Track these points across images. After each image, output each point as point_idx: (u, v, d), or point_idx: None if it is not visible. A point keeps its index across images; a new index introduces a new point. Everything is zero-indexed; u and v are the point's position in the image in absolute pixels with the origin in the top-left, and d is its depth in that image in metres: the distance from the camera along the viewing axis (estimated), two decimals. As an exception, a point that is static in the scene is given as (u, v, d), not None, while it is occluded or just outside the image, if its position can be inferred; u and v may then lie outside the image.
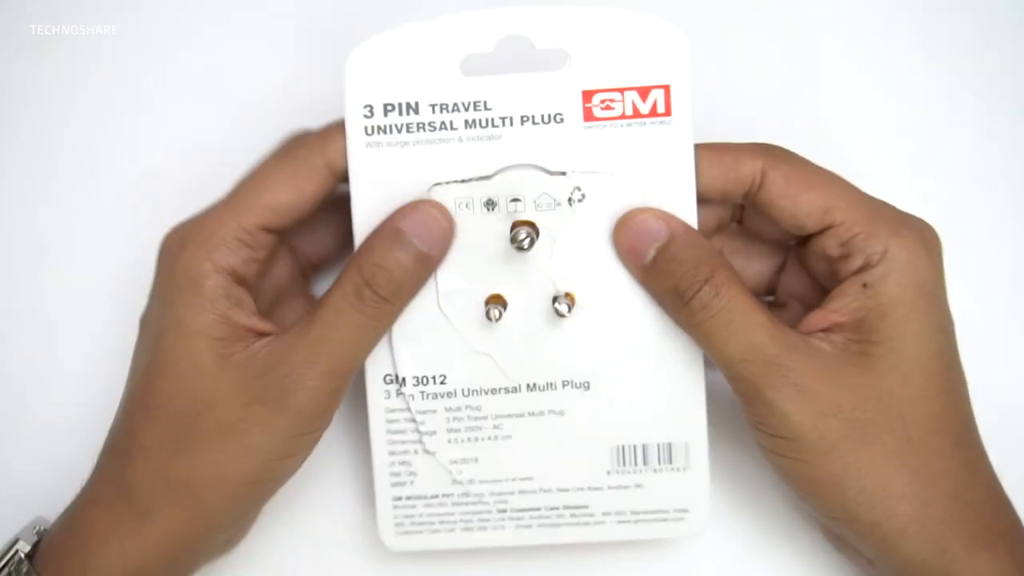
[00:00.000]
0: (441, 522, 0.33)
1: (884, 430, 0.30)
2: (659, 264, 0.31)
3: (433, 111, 0.31)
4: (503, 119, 0.31)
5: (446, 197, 0.31)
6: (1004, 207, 0.40)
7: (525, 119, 0.31)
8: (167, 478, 0.30)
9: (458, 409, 0.33)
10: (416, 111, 0.31)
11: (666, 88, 0.31)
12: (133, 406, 0.31)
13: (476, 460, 0.33)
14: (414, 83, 0.31)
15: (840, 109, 0.40)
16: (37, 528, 0.32)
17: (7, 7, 0.41)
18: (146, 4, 0.41)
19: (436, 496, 0.33)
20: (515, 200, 0.31)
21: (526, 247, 0.31)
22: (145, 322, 0.32)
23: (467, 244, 0.32)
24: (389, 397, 0.33)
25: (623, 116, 0.31)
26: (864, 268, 0.30)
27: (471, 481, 0.33)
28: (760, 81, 0.40)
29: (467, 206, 0.31)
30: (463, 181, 0.31)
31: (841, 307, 0.31)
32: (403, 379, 0.32)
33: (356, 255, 0.30)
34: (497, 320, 0.31)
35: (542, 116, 0.31)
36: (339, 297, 0.30)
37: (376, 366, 0.32)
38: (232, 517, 0.31)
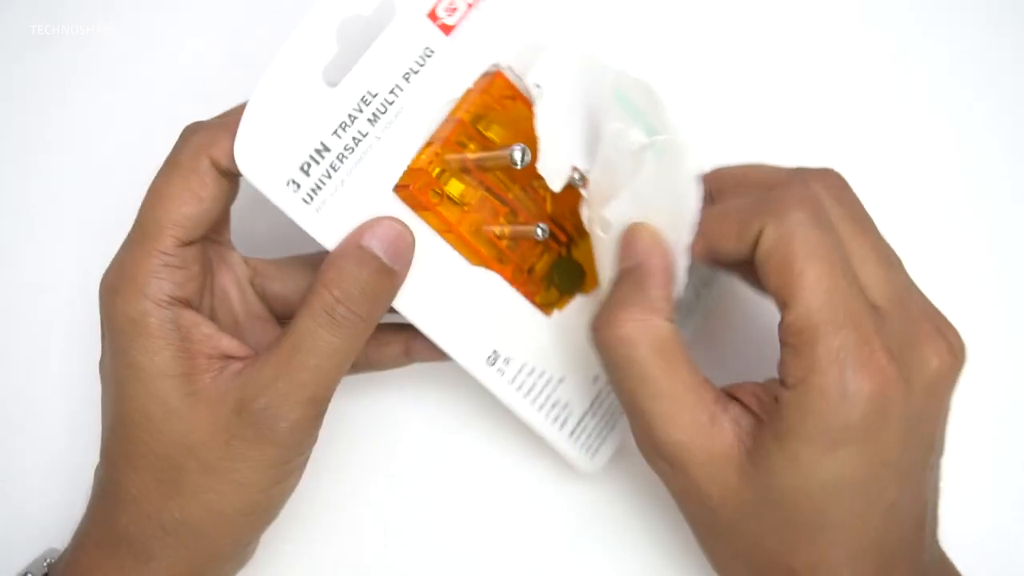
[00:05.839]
0: (606, 421, 0.35)
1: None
2: (622, 276, 0.30)
3: (339, 136, 0.30)
4: (391, 92, 0.30)
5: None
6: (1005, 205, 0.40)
7: (407, 76, 0.30)
8: (162, 522, 0.29)
9: None
10: (327, 148, 0.30)
11: None
12: (114, 455, 0.30)
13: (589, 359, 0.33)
14: (303, 129, 0.30)
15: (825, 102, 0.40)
16: (48, 561, 0.32)
17: (7, 7, 0.41)
18: (146, 4, 0.41)
19: (592, 403, 0.35)
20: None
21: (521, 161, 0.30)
22: (103, 370, 0.31)
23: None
24: (503, 373, 0.33)
25: (469, 7, 0.31)
26: (787, 383, 0.27)
27: (598, 376, 0.34)
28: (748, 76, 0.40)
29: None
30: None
31: (759, 401, 0.29)
32: (497, 351, 0.33)
33: (322, 276, 0.29)
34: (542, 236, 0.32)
35: (415, 62, 0.31)
36: (310, 321, 0.29)
37: (471, 359, 0.33)
38: (235, 546, 0.31)
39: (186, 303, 0.30)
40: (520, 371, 0.33)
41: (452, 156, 0.31)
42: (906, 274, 0.29)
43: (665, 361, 0.28)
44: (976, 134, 0.40)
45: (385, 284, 0.30)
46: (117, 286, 0.29)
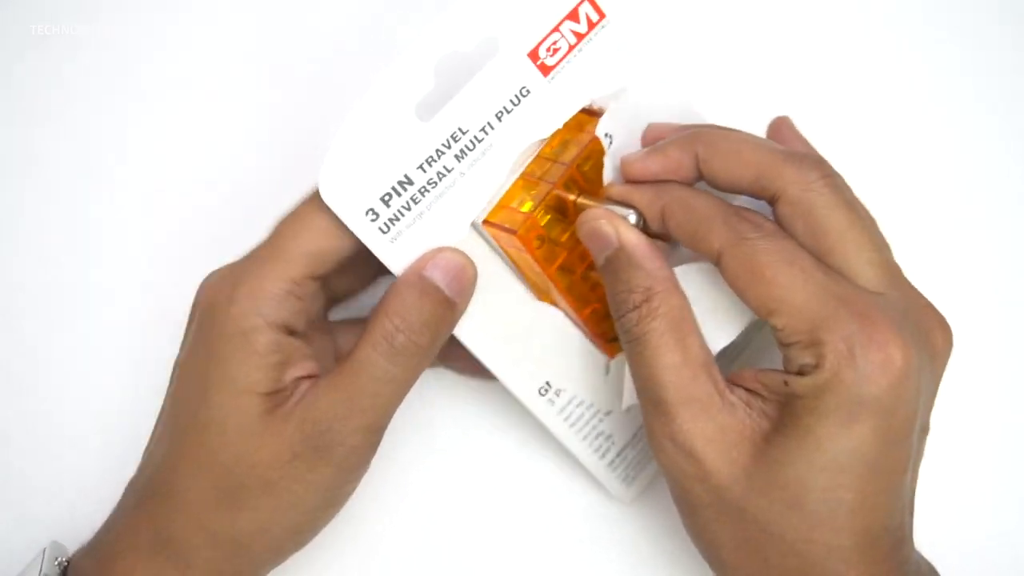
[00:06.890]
0: (646, 453, 0.35)
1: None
2: (606, 272, 0.30)
3: (424, 170, 0.30)
4: (482, 129, 0.31)
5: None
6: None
7: (500, 115, 0.31)
8: (212, 532, 0.30)
9: None
10: (410, 181, 0.30)
11: None
12: (176, 457, 0.30)
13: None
14: (389, 161, 0.30)
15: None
16: (59, 559, 0.31)
17: (7, 7, 0.41)
18: (146, 4, 0.41)
19: (634, 436, 0.35)
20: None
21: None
22: (185, 369, 0.31)
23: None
24: (553, 403, 0.33)
25: (571, 48, 0.31)
26: (796, 372, 0.28)
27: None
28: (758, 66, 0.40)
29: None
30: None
31: (765, 385, 0.29)
32: (550, 383, 0.33)
33: (384, 304, 0.30)
34: None
35: (510, 101, 0.31)
36: (370, 350, 0.30)
37: (523, 388, 0.33)
38: (276, 563, 0.32)
39: (292, 331, 0.30)
40: (570, 403, 0.34)
41: (552, 197, 0.31)
42: (895, 260, 0.30)
43: (679, 335, 0.29)
44: (975, 133, 0.40)
45: (445, 315, 0.30)
46: (234, 296, 0.30)
